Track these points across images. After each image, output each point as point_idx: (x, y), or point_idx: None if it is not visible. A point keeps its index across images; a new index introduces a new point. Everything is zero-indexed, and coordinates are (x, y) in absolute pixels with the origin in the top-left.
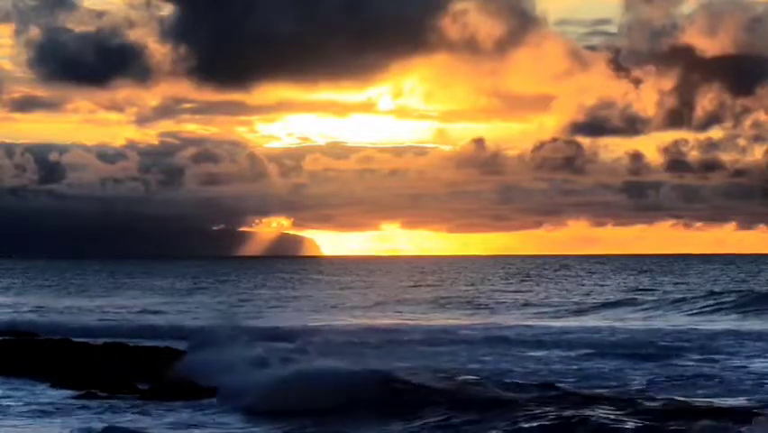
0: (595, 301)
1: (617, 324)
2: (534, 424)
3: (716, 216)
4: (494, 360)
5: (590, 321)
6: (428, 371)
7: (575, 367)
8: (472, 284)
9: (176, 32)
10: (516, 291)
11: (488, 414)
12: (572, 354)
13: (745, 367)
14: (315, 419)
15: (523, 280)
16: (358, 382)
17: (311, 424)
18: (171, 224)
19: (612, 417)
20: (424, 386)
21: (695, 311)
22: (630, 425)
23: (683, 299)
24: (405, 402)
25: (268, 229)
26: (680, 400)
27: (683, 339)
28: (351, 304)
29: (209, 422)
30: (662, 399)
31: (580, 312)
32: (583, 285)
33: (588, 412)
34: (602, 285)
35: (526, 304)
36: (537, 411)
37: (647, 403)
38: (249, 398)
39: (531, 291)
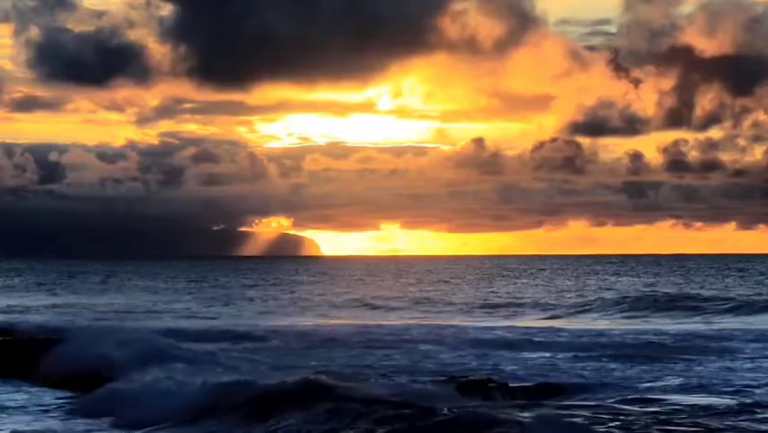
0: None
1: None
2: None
3: (716, 216)
4: (416, 359)
5: (536, 322)
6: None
7: (491, 363)
8: (447, 282)
9: (176, 32)
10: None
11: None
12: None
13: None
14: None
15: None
16: (219, 391)
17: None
18: (171, 224)
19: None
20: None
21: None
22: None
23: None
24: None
25: (268, 229)
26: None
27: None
28: (326, 303)
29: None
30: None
31: (536, 313)
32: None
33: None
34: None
35: (475, 303)
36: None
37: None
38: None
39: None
